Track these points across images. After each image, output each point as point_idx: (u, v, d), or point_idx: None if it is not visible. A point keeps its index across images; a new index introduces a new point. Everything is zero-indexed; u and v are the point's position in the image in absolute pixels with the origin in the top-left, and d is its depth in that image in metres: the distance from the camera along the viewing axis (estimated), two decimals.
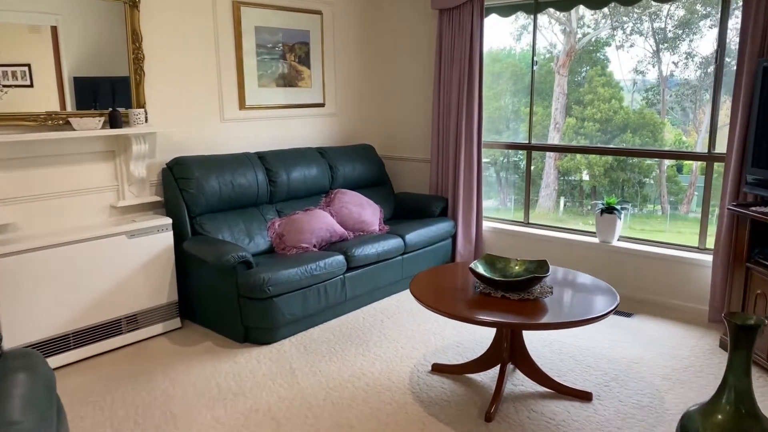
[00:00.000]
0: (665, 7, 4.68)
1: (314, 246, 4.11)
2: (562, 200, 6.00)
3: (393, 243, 4.29)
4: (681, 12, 4.69)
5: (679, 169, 5.67)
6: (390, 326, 3.87)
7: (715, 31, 3.87)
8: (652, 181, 5.68)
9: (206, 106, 4.22)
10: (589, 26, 5.34)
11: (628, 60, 5.15)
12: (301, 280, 3.61)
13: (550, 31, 5.13)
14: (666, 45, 4.91)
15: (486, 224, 5.06)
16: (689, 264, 4.06)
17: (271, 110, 4.65)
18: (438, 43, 4.92)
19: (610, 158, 5.55)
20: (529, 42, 4.74)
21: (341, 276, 3.93)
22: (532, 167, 5.07)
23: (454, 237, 4.97)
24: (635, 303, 4.25)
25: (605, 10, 4.97)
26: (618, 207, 4.36)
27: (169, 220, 3.75)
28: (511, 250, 4.92)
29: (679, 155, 5.07)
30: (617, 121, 5.45)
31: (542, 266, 3.03)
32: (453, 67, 4.85)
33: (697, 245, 4.14)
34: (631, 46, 5.06)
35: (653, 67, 5.10)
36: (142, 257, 3.60)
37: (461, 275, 3.26)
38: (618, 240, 4.45)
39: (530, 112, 4.89)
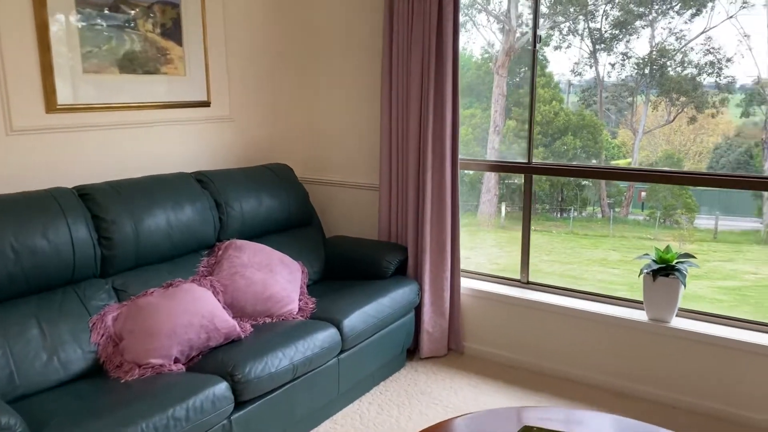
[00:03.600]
0: (601, 7, 4.71)
1: (176, 360, 2.27)
2: (503, 206, 5.77)
3: (322, 339, 2.51)
4: (617, 12, 4.68)
5: None
6: None
7: (649, 30, 3.99)
8: (590, 184, 5.64)
9: None
10: (527, 25, 5.18)
11: (566, 61, 5.20)
12: None
13: (489, 30, 4.95)
14: (603, 46, 4.90)
15: (464, 283, 3.36)
16: None
17: (110, 113, 2.76)
18: (388, 11, 3.18)
19: (550, 160, 5.31)
20: (465, 43, 4.64)
21: (224, 422, 2.11)
22: (471, 172, 4.75)
23: (418, 309, 3.23)
24: (721, 425, 2.64)
25: (542, 8, 5.35)
26: (680, 267, 2.75)
27: None
28: (504, 329, 3.22)
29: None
30: (558, 124, 5.40)
31: None
32: (412, 48, 3.12)
33: None
34: (568, 46, 5.04)
35: (590, 67, 5.10)
36: None
37: None
38: (677, 315, 2.84)
39: (530, 117, 3.25)
